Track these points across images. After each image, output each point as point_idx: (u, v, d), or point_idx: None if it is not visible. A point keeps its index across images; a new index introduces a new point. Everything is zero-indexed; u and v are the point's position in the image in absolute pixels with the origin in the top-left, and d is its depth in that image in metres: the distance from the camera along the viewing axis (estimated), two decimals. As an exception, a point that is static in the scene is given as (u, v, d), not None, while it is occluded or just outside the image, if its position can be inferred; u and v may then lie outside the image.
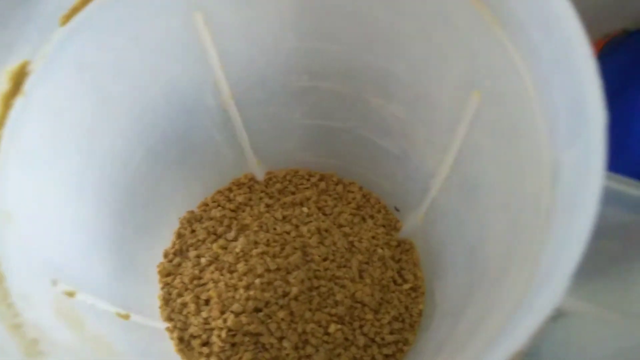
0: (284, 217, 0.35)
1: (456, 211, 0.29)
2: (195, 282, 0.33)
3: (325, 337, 0.31)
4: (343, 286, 0.32)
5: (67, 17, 0.23)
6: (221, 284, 0.32)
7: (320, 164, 0.38)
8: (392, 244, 0.35)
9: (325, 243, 0.34)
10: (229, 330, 0.30)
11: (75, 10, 0.23)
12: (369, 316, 0.32)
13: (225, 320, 0.31)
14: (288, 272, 0.32)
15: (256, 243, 0.33)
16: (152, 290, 0.32)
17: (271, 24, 0.28)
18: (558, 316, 0.15)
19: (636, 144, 0.42)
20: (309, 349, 0.31)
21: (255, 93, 0.32)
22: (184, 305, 0.32)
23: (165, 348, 0.31)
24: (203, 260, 0.33)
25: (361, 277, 0.33)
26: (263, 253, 0.33)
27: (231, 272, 0.32)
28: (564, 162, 0.17)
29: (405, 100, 0.29)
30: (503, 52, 0.21)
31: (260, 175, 0.38)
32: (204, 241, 0.34)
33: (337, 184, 0.38)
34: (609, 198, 0.16)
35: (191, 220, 0.35)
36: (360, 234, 0.35)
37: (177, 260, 0.34)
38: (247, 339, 0.30)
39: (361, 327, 0.32)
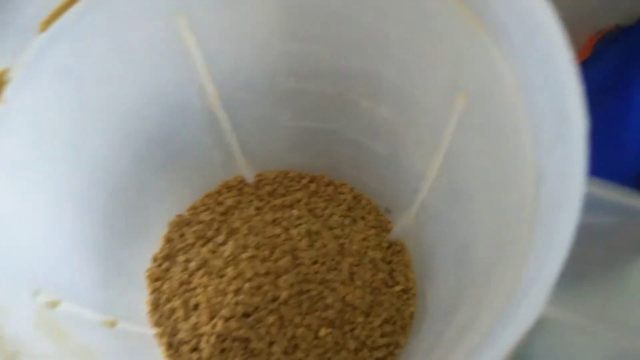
0: (274, 220, 0.35)
1: (446, 213, 0.29)
2: (184, 287, 0.32)
3: (316, 342, 0.31)
4: (333, 289, 0.32)
5: (47, 23, 0.22)
6: (210, 289, 0.32)
7: (311, 164, 0.38)
8: (383, 245, 0.35)
9: (315, 246, 0.34)
10: (218, 335, 0.30)
11: (54, 16, 0.22)
12: (360, 319, 0.32)
13: (214, 326, 0.30)
14: (277, 276, 0.32)
15: (245, 247, 0.33)
16: (141, 296, 0.32)
17: (256, 27, 0.28)
18: (541, 325, 0.15)
19: (632, 141, 0.41)
20: (299, 354, 0.30)
21: (242, 95, 0.32)
22: (173, 310, 0.32)
23: (154, 354, 0.30)
24: (192, 265, 0.33)
25: (352, 279, 0.33)
26: (252, 257, 0.32)
27: (220, 276, 0.32)
28: (547, 169, 0.17)
29: (393, 102, 0.29)
30: (487, 56, 0.20)
31: (250, 177, 0.37)
32: (193, 245, 0.34)
33: (327, 185, 0.38)
34: (592, 204, 0.16)
35: (180, 224, 0.35)
36: (351, 236, 0.35)
37: (166, 264, 0.34)
38: (236, 344, 0.30)
39: (352, 330, 0.32)
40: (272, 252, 0.33)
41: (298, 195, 0.37)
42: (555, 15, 0.17)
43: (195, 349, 0.31)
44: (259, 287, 0.31)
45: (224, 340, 0.30)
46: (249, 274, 0.31)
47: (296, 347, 0.30)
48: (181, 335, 0.31)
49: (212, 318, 0.31)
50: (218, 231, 0.35)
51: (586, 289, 0.19)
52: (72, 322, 0.24)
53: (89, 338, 0.25)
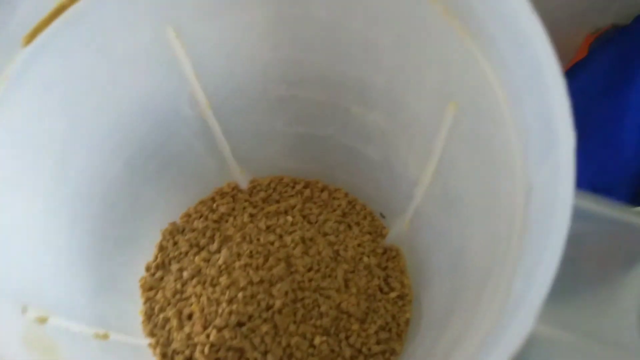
0: (268, 227, 0.35)
1: (440, 220, 0.29)
2: (177, 296, 0.32)
3: (311, 350, 0.31)
4: (328, 297, 0.32)
5: (30, 37, 0.22)
6: (203, 298, 0.31)
7: (305, 170, 0.37)
8: (378, 251, 0.35)
9: (309, 253, 0.33)
10: (212, 345, 0.30)
11: (38, 30, 0.22)
12: (355, 326, 0.32)
13: (208, 336, 0.30)
14: (271, 285, 0.32)
15: (239, 255, 0.33)
16: (134, 306, 0.32)
17: (245, 35, 0.27)
18: (531, 344, 0.15)
19: (629, 140, 0.41)
20: (294, 363, 0.30)
21: (233, 102, 0.32)
22: (167, 320, 0.32)
23: (148, 365, 0.30)
24: (185, 274, 0.33)
25: (347, 286, 0.33)
26: (246, 265, 0.32)
27: (213, 285, 0.32)
28: (536, 183, 0.17)
29: (384, 108, 0.29)
30: (476, 66, 0.20)
31: (244, 184, 0.37)
32: (186, 254, 0.34)
33: (322, 191, 0.37)
34: (581, 217, 0.16)
35: (173, 232, 0.35)
36: (345, 242, 0.35)
37: (159, 273, 0.33)
38: (230, 353, 0.30)
39: (347, 338, 0.31)
40: (266, 260, 0.33)
41: (292, 201, 0.36)
42: (543, 26, 0.17)
43: (189, 359, 0.30)
44: (252, 296, 0.31)
45: (218, 350, 0.30)
46: (242, 283, 0.31)
47: (291, 356, 0.30)
48: (175, 345, 0.31)
49: (205, 328, 0.31)
50: (211, 239, 0.34)
51: (577, 305, 0.19)
52: (63, 337, 0.24)
53: (81, 352, 0.25)
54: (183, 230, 0.35)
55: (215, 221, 0.35)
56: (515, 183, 0.19)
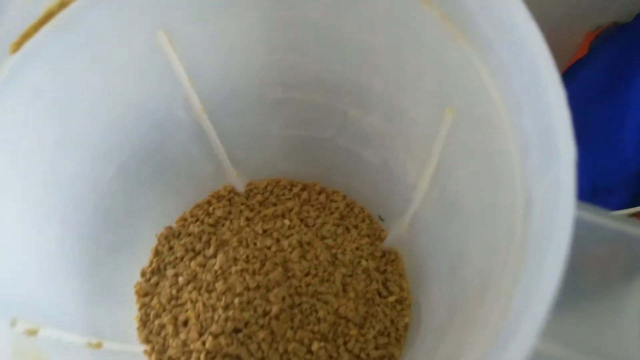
0: (265, 231, 0.34)
1: (438, 225, 0.29)
2: (173, 302, 0.32)
3: (308, 356, 0.30)
4: (326, 302, 0.32)
5: (18, 45, 0.21)
6: (199, 304, 0.31)
7: (302, 172, 0.37)
8: (377, 254, 0.35)
9: (307, 257, 0.33)
10: (208, 352, 0.30)
11: (26, 37, 0.21)
12: (353, 332, 0.31)
13: (204, 343, 0.30)
14: (268, 290, 0.31)
15: (235, 260, 0.32)
16: (128, 313, 0.31)
17: (239, 38, 0.27)
18: (530, 361, 0.14)
19: (630, 139, 0.41)
20: (291, 369, 0.30)
21: (229, 105, 0.31)
22: (162, 326, 0.31)
23: (143, 372, 0.30)
24: (181, 279, 0.32)
25: (345, 291, 0.32)
26: (242, 270, 0.32)
27: (209, 291, 0.31)
28: (536, 195, 0.16)
29: (382, 112, 0.28)
30: (473, 71, 0.20)
31: (240, 187, 0.37)
32: (182, 259, 0.33)
33: (319, 193, 0.37)
34: (582, 230, 0.16)
35: (169, 237, 0.35)
36: (343, 246, 0.34)
37: (154, 279, 0.33)
38: (226, 360, 0.30)
39: (345, 343, 0.31)
40: (262, 265, 0.32)
41: (289, 204, 0.36)
42: (541, 29, 0.16)
43: (185, 366, 0.30)
44: (249, 302, 0.31)
45: (214, 357, 0.30)
46: (238, 289, 0.31)
47: (288, 362, 0.30)
48: (171, 352, 0.30)
49: (201, 334, 0.30)
50: (207, 243, 0.34)
51: (577, 320, 0.19)
52: (54, 348, 0.24)
53: (73, 362, 0.25)
54: (179, 234, 0.35)
55: (211, 225, 0.35)
56: (514, 190, 0.18)
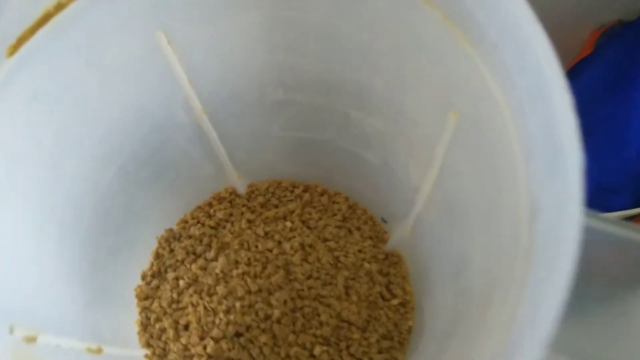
0: (266, 233, 0.34)
1: (441, 229, 0.28)
2: (173, 306, 0.31)
3: (311, 360, 0.30)
4: (328, 305, 0.31)
5: (15, 48, 0.21)
6: (200, 308, 0.31)
7: (304, 174, 0.37)
8: (380, 257, 0.34)
9: (309, 260, 0.33)
10: (209, 357, 0.29)
11: (22, 40, 0.21)
12: (356, 335, 0.31)
13: (205, 347, 0.29)
14: (270, 294, 0.31)
15: (237, 263, 0.32)
16: (128, 317, 0.31)
17: (239, 40, 0.27)
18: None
19: (635, 139, 0.40)
20: (293, 374, 0.29)
21: (229, 107, 0.31)
22: (163, 330, 0.31)
23: (144, 377, 0.30)
24: (182, 283, 0.32)
25: (347, 294, 0.32)
26: (244, 273, 0.31)
27: (210, 295, 0.31)
28: (542, 203, 0.16)
29: (383, 113, 0.28)
30: (477, 74, 0.19)
31: (241, 189, 0.36)
32: (182, 262, 0.33)
33: (321, 195, 0.37)
34: (589, 237, 0.15)
35: (169, 239, 0.34)
36: (346, 248, 0.34)
37: (155, 282, 0.33)
38: (228, 365, 0.29)
39: (348, 347, 0.31)
40: (264, 268, 0.32)
41: (291, 206, 0.36)
42: (546, 29, 0.16)
43: (186, 371, 0.30)
44: (250, 306, 0.30)
45: (215, 362, 0.29)
46: (240, 292, 0.30)
47: (290, 366, 0.30)
48: (172, 357, 0.30)
49: (202, 338, 0.30)
50: (209, 246, 0.34)
51: (586, 330, 0.18)
52: (53, 355, 0.23)
53: (73, 368, 0.24)
54: (180, 237, 0.34)
55: (212, 227, 0.35)
56: (519, 193, 0.18)
